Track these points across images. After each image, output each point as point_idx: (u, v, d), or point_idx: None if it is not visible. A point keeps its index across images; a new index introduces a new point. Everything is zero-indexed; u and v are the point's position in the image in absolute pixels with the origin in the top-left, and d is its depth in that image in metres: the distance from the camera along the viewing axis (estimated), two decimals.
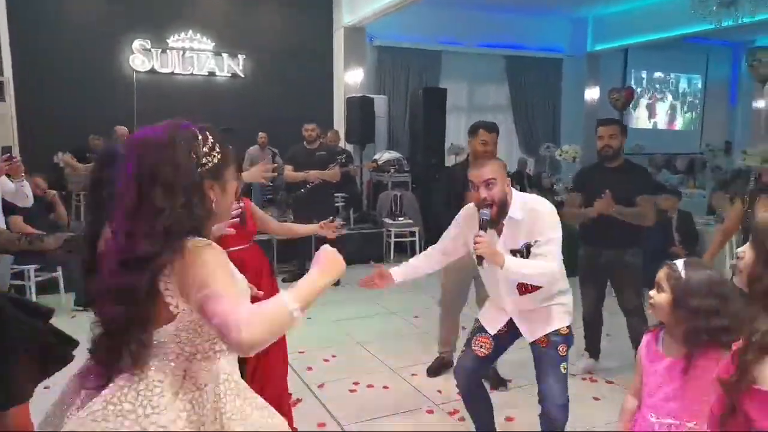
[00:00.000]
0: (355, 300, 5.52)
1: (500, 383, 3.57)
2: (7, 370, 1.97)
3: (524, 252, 2.37)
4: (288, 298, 1.18)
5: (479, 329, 2.60)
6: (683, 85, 12.93)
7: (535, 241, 2.34)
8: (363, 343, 4.34)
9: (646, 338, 1.77)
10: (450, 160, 8.54)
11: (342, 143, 8.23)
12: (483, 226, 2.31)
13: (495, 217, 2.35)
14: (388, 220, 7.35)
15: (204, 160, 1.29)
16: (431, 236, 7.30)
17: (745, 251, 1.26)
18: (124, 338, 1.22)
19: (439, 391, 3.50)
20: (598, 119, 3.91)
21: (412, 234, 7.28)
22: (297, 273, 6.23)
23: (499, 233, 2.41)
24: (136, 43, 7.91)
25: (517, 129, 10.87)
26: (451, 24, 9.59)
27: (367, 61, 9.10)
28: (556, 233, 2.34)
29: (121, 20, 7.83)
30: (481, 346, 2.55)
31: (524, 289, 2.43)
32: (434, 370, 3.82)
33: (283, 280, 6.09)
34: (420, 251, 7.23)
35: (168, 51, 8.10)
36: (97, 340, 1.27)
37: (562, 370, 2.42)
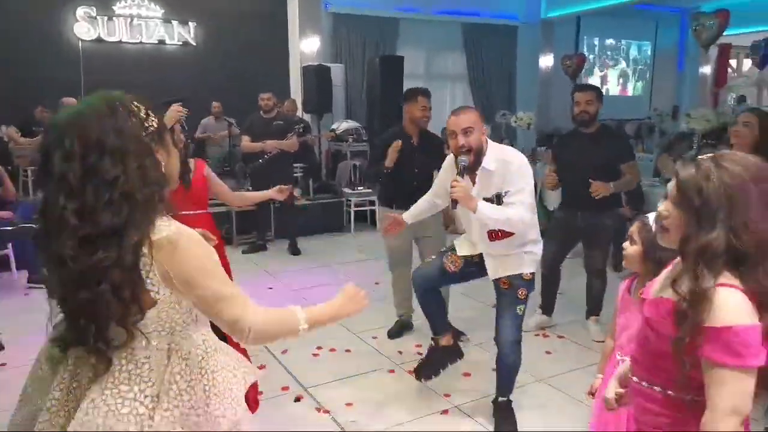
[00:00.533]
0: (317, 270, 5.59)
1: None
2: None
3: (494, 201, 2.52)
4: (302, 316, 1.34)
5: (452, 248, 2.78)
6: (634, 51, 13.23)
7: (506, 192, 2.48)
8: None
9: (621, 286, 1.94)
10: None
11: (299, 113, 8.15)
12: (460, 171, 2.47)
13: (472, 164, 2.50)
14: (347, 190, 7.37)
15: (146, 124, 1.27)
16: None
17: (669, 210, 1.25)
18: (102, 319, 1.18)
19: (400, 352, 3.62)
20: (576, 84, 3.99)
21: (372, 203, 7.34)
22: (257, 244, 6.23)
23: (474, 182, 2.57)
24: (80, 11, 7.58)
25: (474, 97, 10.96)
26: None
27: (323, 29, 8.97)
28: (526, 183, 2.48)
29: None
30: (452, 262, 2.74)
31: (494, 235, 2.58)
32: (394, 333, 3.95)
33: (243, 252, 6.09)
34: (379, 220, 7.33)
35: (114, 18, 7.79)
36: (75, 329, 1.22)
37: (518, 311, 2.63)
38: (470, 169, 2.52)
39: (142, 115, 1.27)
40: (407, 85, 8.55)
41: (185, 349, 1.30)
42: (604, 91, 12.77)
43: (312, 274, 5.42)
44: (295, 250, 6.15)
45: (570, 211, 3.77)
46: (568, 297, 4.33)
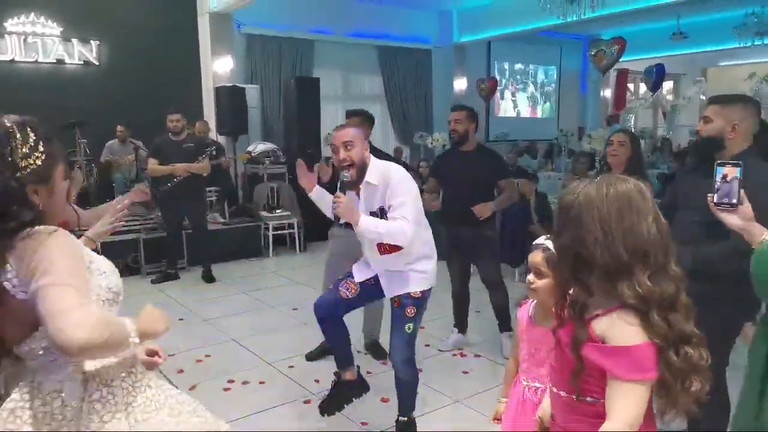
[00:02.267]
0: (232, 297, 5.36)
1: (383, 355, 3.71)
2: None
3: (379, 215, 2.53)
4: (132, 328, 1.18)
5: (350, 275, 2.76)
6: (541, 75, 13.93)
7: (389, 206, 2.49)
8: (239, 339, 4.22)
9: (521, 310, 1.92)
10: (326, 150, 8.52)
11: (213, 134, 7.90)
12: (342, 187, 2.47)
13: (354, 179, 2.51)
14: (265, 213, 7.19)
15: (23, 163, 1.15)
16: (310, 227, 7.26)
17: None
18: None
19: (317, 381, 3.50)
20: (453, 105, 4.13)
21: (291, 226, 7.19)
22: (168, 273, 5.91)
23: (359, 195, 2.58)
24: None
25: (391, 118, 11.10)
26: (322, 12, 9.54)
27: (236, 49, 8.78)
28: (407, 197, 2.48)
29: None
30: (347, 289, 2.73)
31: (383, 249, 2.57)
32: (315, 356, 3.83)
33: (152, 281, 5.76)
34: (300, 243, 7.21)
35: (6, 36, 7.24)
36: None
37: (407, 329, 2.63)
38: (352, 183, 2.53)
39: (23, 150, 1.15)
40: (324, 106, 8.58)
41: (106, 375, 1.20)
42: (515, 113, 13.46)
43: (228, 302, 5.19)
44: (209, 278, 5.88)
45: (452, 226, 3.86)
46: (485, 314, 4.38)
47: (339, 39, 10.09)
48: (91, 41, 7.78)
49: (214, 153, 6.22)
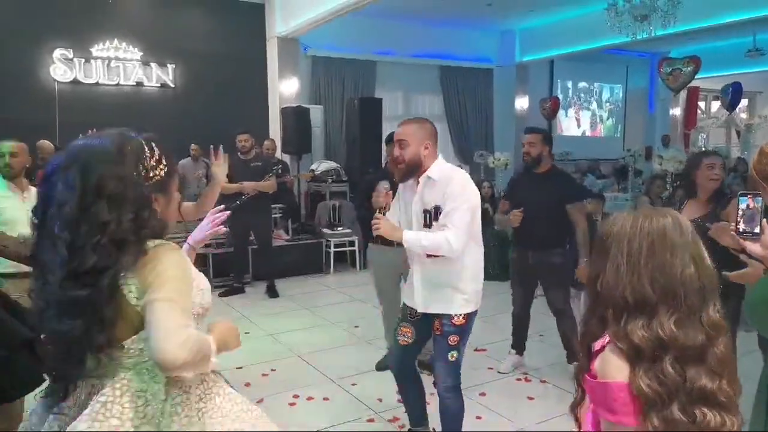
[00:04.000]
0: (294, 312, 5.47)
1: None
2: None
3: (432, 213, 2.49)
4: (213, 344, 1.27)
5: (402, 318, 2.70)
6: (606, 93, 13.60)
7: (443, 209, 2.43)
8: (302, 355, 4.30)
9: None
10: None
11: (278, 153, 8.15)
12: (380, 210, 2.50)
13: (401, 179, 2.56)
14: (327, 231, 7.32)
15: (152, 174, 1.27)
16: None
17: None
18: (85, 348, 1.20)
19: (380, 400, 3.51)
20: (526, 128, 4.09)
21: (351, 243, 7.29)
22: (235, 287, 6.10)
23: (418, 190, 2.54)
24: (57, 53, 7.54)
25: (451, 137, 11.10)
26: (384, 35, 9.71)
27: (302, 71, 9.06)
28: (463, 203, 2.41)
29: (40, 28, 7.44)
30: (403, 335, 2.67)
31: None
32: (383, 366, 3.89)
33: (219, 295, 5.96)
34: (359, 261, 7.31)
35: (92, 60, 7.76)
36: (53, 357, 1.25)
37: (450, 357, 2.54)
38: (408, 177, 2.54)
39: (151, 163, 1.27)
40: (386, 126, 8.69)
41: (187, 381, 1.27)
42: (579, 132, 13.18)
43: (291, 317, 5.30)
44: (273, 293, 6.04)
45: (521, 250, 3.80)
46: (549, 339, 4.29)
47: (401, 60, 10.23)
48: (168, 65, 8.22)
49: (279, 171, 6.42)
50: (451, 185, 2.43)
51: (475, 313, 2.57)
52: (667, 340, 1.05)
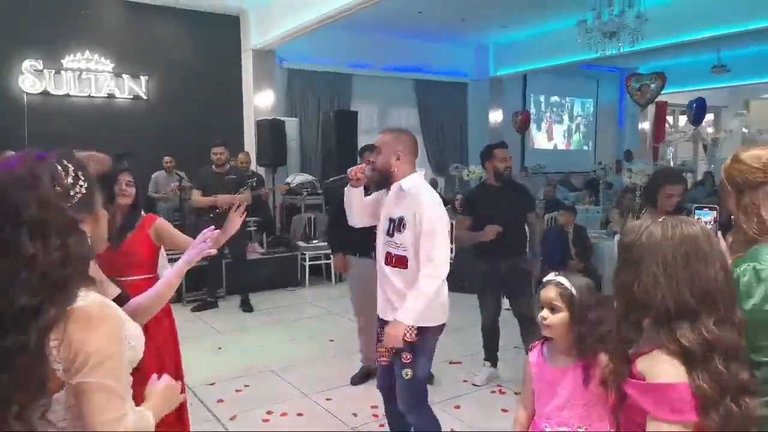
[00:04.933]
0: (269, 327, 5.42)
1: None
2: None
3: (396, 223, 2.47)
4: (150, 414, 1.22)
5: (378, 338, 2.62)
6: (577, 108, 13.88)
7: (419, 231, 2.38)
8: (277, 370, 4.25)
9: (531, 354, 1.82)
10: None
11: (253, 166, 8.10)
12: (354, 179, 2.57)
13: (373, 186, 2.63)
14: (302, 244, 7.28)
15: (71, 192, 1.16)
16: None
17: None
18: (9, 408, 1.04)
19: (354, 414, 3.49)
20: (496, 143, 4.16)
21: (327, 257, 7.25)
22: (208, 301, 6.02)
23: (387, 198, 2.56)
24: (26, 63, 7.40)
25: (427, 150, 11.18)
26: (360, 48, 9.77)
27: (278, 84, 9.04)
28: (440, 225, 2.40)
29: (9, 38, 7.30)
30: (381, 356, 2.60)
31: (389, 259, 2.49)
32: (357, 380, 3.97)
33: (192, 309, 5.87)
34: (335, 274, 7.26)
35: (62, 72, 7.63)
36: None
37: (404, 376, 2.45)
38: (379, 185, 2.58)
39: (68, 181, 1.16)
40: (362, 139, 8.71)
41: None
42: (551, 145, 13.41)
43: (265, 332, 5.25)
44: (247, 307, 5.97)
45: (492, 260, 3.84)
46: (523, 350, 4.31)
47: (376, 73, 10.29)
48: (141, 76, 8.13)
49: (254, 185, 6.38)
50: (424, 205, 2.40)
51: (434, 329, 2.46)
52: (713, 341, 1.14)
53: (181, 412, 2.68)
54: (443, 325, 2.53)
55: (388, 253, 2.49)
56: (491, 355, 4.04)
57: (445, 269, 2.40)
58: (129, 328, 1.23)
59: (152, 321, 2.51)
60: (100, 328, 1.10)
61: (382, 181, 2.53)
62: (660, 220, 1.25)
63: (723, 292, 1.18)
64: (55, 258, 1.07)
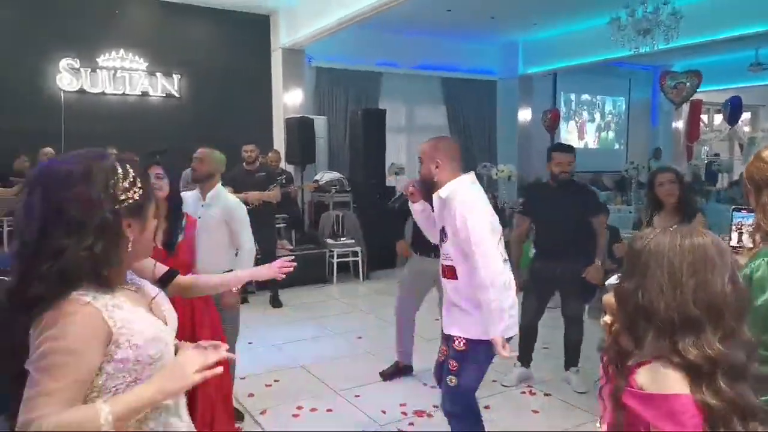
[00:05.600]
0: (298, 323, 5.46)
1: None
2: None
3: (441, 233, 2.48)
4: (105, 411, 1.09)
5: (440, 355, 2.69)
6: (609, 106, 13.64)
7: (445, 231, 2.42)
8: (306, 366, 4.29)
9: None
10: (390, 180, 8.63)
11: (282, 164, 8.18)
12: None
13: (414, 194, 2.62)
14: (330, 241, 7.32)
15: (123, 197, 1.18)
16: (373, 255, 7.35)
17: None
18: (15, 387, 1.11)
19: (383, 411, 3.50)
20: (557, 145, 4.13)
21: (355, 254, 7.28)
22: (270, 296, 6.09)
23: (434, 208, 2.56)
24: (64, 62, 7.60)
25: None
26: (388, 46, 9.77)
27: (306, 82, 9.11)
28: (483, 231, 2.31)
29: (47, 38, 7.50)
30: (439, 353, 2.68)
31: (445, 271, 2.50)
32: (388, 375, 4.00)
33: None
34: (362, 271, 7.31)
35: (98, 70, 7.82)
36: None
37: (449, 382, 2.46)
38: (427, 196, 2.57)
39: (123, 185, 1.19)
40: (389, 137, 8.73)
41: None
42: (581, 144, 13.22)
43: (294, 327, 5.29)
44: (277, 303, 6.03)
45: (548, 262, 3.79)
46: (554, 351, 4.27)
47: (404, 71, 10.29)
48: (174, 75, 8.28)
49: (283, 182, 6.43)
50: (456, 214, 2.34)
51: (481, 344, 2.38)
52: (717, 357, 1.07)
53: (227, 405, 2.74)
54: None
55: (442, 265, 2.51)
56: (525, 355, 3.99)
57: (493, 275, 2.28)
58: (135, 332, 1.19)
59: (202, 323, 2.58)
60: (66, 323, 1.10)
61: (427, 191, 2.53)
62: (671, 228, 1.20)
63: (731, 307, 1.10)
64: (82, 256, 1.11)
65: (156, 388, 1.17)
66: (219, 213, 3.31)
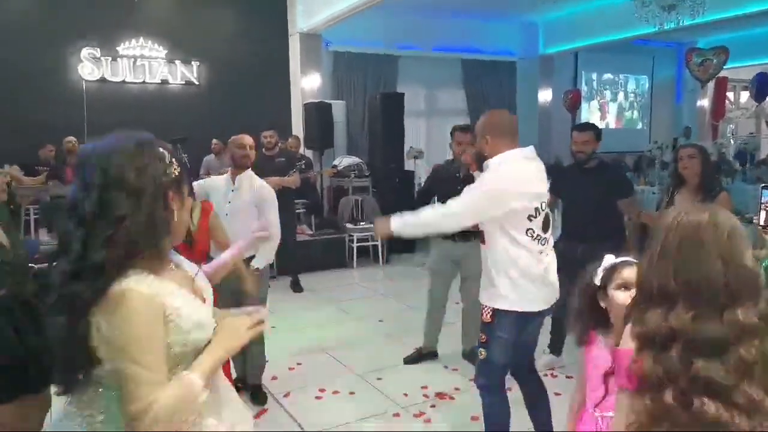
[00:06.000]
0: (319, 307, 5.51)
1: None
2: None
3: None
4: (197, 377, 1.23)
5: None
6: (632, 85, 13.38)
7: None
8: (328, 349, 4.33)
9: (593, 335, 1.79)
10: (409, 164, 8.60)
11: (301, 149, 8.20)
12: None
13: (471, 164, 2.72)
14: (349, 225, 7.34)
15: (168, 170, 1.27)
16: (393, 240, 7.34)
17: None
18: (68, 352, 1.18)
19: (405, 394, 3.52)
20: (577, 124, 4.07)
21: (374, 238, 7.30)
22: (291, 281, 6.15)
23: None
24: (85, 51, 7.69)
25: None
26: (406, 29, 9.68)
27: (324, 67, 9.09)
28: (477, 189, 2.44)
29: (68, 28, 7.60)
30: None
31: (482, 238, 2.52)
32: (411, 359, 4.01)
33: None
34: (382, 255, 7.33)
35: (119, 59, 7.90)
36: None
37: (480, 354, 2.52)
38: (480, 169, 2.59)
39: (166, 161, 1.27)
40: (408, 121, 8.68)
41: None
42: (603, 124, 13.00)
43: (316, 311, 5.34)
44: (297, 288, 6.09)
45: (571, 243, 3.71)
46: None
47: (423, 54, 10.19)
48: (192, 63, 8.33)
49: (303, 167, 6.45)
50: (484, 175, 2.46)
51: (509, 315, 2.41)
52: (678, 330, 1.09)
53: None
54: (526, 314, 2.45)
55: (481, 232, 2.53)
56: (556, 343, 3.92)
57: (456, 218, 2.43)
58: (184, 317, 1.26)
59: None
60: (116, 314, 1.17)
61: (479, 164, 2.56)
62: (693, 205, 1.22)
63: (713, 286, 1.09)
64: (140, 223, 1.19)
65: (222, 348, 1.32)
66: (249, 197, 3.34)
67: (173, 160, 1.29)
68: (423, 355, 4.06)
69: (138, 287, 1.18)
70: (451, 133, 3.91)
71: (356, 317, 5.18)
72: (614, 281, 1.72)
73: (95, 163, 1.20)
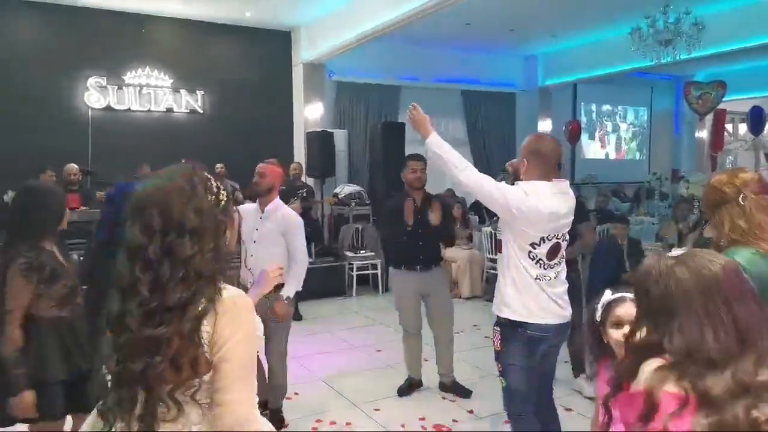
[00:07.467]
0: (317, 336, 5.49)
1: (465, 394, 3.89)
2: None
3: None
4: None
5: None
6: (630, 116, 13.51)
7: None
8: (326, 379, 4.31)
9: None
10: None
11: (303, 177, 8.27)
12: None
13: (512, 172, 2.73)
14: (349, 253, 7.37)
15: (219, 200, 1.30)
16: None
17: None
18: (155, 389, 1.19)
19: (402, 426, 3.50)
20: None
21: (374, 266, 7.31)
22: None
23: None
24: (92, 80, 7.82)
25: (474, 161, 11.10)
26: (408, 60, 9.84)
27: (327, 96, 9.22)
28: (508, 188, 2.46)
29: (75, 57, 7.73)
30: None
31: (500, 247, 2.58)
32: (404, 391, 3.99)
33: None
34: (382, 283, 7.31)
35: (125, 87, 8.03)
36: (124, 401, 1.22)
37: (501, 383, 2.52)
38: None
39: (214, 190, 1.30)
40: (409, 150, 8.75)
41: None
42: (602, 154, 13.09)
43: (314, 341, 5.32)
44: (296, 315, 6.05)
45: None
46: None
47: (424, 84, 10.32)
48: (197, 91, 8.45)
49: (304, 195, 6.50)
50: None
51: (513, 327, 2.43)
52: (750, 384, 1.03)
53: None
54: (529, 328, 2.43)
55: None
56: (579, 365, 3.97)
57: (472, 181, 2.46)
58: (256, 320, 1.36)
59: None
60: (241, 316, 1.26)
61: (514, 180, 2.59)
62: (678, 259, 1.17)
63: (764, 330, 1.07)
64: (208, 257, 1.24)
65: (259, 292, 1.67)
66: (276, 225, 3.36)
67: (218, 185, 1.33)
68: (413, 385, 4.04)
69: (245, 295, 1.32)
70: (405, 163, 4.02)
71: (355, 346, 5.16)
72: (609, 319, 1.73)
73: (155, 208, 1.22)
